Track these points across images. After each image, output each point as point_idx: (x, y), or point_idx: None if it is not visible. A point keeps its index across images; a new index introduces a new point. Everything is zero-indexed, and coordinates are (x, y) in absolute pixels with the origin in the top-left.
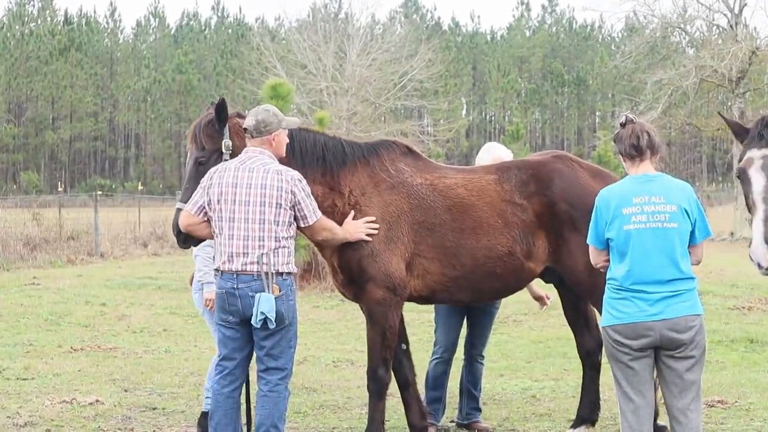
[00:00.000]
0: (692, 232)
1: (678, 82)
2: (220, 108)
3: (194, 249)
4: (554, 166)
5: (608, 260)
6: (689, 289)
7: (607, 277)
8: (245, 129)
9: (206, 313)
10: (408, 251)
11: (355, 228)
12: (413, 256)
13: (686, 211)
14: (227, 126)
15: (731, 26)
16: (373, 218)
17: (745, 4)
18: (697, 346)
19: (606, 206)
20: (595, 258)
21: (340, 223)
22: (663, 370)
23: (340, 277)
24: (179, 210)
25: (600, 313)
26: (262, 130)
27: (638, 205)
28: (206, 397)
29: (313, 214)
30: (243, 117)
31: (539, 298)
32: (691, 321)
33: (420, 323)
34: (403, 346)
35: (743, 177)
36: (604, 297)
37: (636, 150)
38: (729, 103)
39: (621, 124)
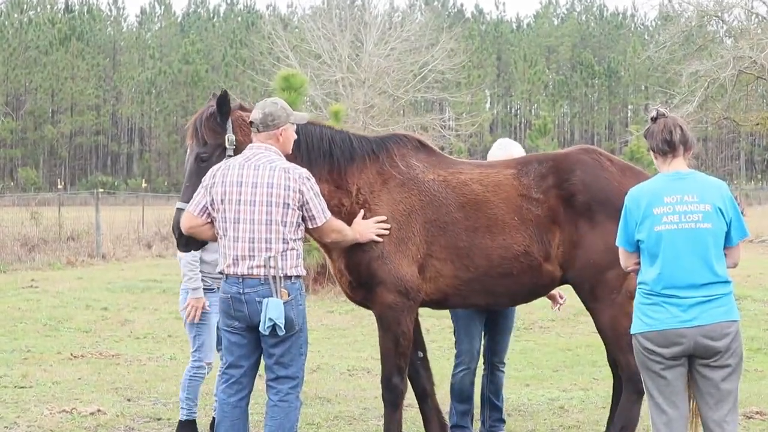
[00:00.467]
0: (728, 233)
1: (715, 73)
2: (222, 100)
3: (179, 252)
4: (578, 158)
5: (639, 263)
6: (725, 293)
7: (637, 281)
8: (251, 122)
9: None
10: (420, 252)
11: (366, 228)
12: (425, 257)
13: (721, 211)
14: (230, 119)
15: None
16: (384, 218)
17: None
18: (734, 354)
19: (636, 206)
20: (625, 261)
21: (347, 223)
22: (698, 380)
23: (347, 280)
24: (180, 210)
25: (594, 320)
26: (269, 123)
27: (670, 204)
28: (182, 408)
29: (321, 214)
30: (246, 110)
31: (552, 297)
32: (726, 327)
33: (440, 329)
34: (420, 354)
35: None
36: (635, 302)
37: (668, 145)
38: None
39: (652, 119)
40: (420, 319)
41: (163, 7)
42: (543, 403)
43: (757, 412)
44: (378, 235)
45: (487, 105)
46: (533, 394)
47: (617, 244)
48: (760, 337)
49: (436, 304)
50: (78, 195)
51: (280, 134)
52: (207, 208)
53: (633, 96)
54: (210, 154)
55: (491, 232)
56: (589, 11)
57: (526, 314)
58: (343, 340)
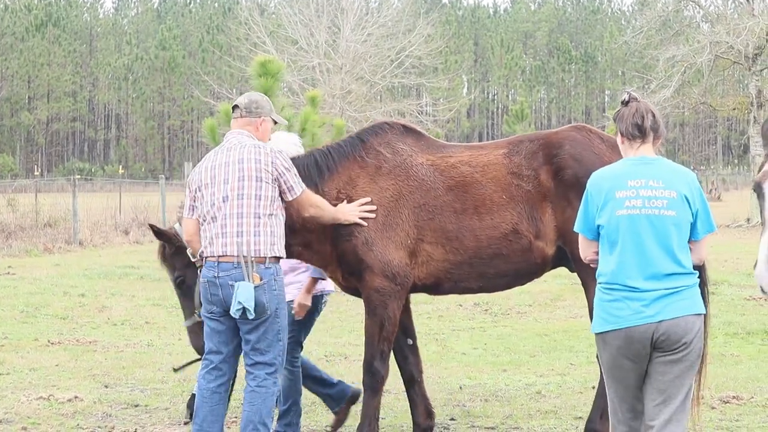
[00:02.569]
0: (693, 225)
1: (692, 58)
2: (157, 233)
3: None
4: (567, 134)
5: (598, 253)
6: (689, 285)
7: (596, 274)
8: (235, 106)
9: None
10: (410, 237)
11: (349, 210)
12: (416, 242)
13: (687, 199)
14: (173, 236)
15: (747, 0)
16: (368, 199)
17: None
18: (693, 350)
19: (597, 190)
20: (585, 249)
21: (333, 230)
22: (650, 374)
23: (340, 272)
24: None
25: (589, 303)
26: (253, 110)
27: (634, 188)
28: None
29: (298, 186)
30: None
31: None
32: (691, 322)
33: (417, 315)
34: (410, 341)
35: (758, 191)
36: (595, 299)
37: (639, 130)
38: (745, 81)
39: (623, 102)
40: (411, 307)
41: None
42: (520, 388)
43: (734, 397)
44: (364, 220)
45: (465, 90)
46: (510, 379)
47: (576, 230)
48: (737, 321)
49: (430, 289)
50: (55, 181)
51: (260, 124)
52: (193, 205)
53: (610, 81)
54: (184, 274)
55: (479, 213)
56: None
57: (503, 300)
58: (320, 326)
